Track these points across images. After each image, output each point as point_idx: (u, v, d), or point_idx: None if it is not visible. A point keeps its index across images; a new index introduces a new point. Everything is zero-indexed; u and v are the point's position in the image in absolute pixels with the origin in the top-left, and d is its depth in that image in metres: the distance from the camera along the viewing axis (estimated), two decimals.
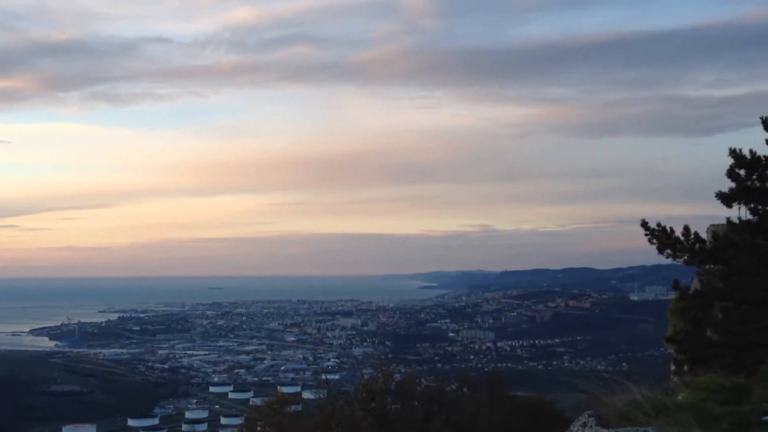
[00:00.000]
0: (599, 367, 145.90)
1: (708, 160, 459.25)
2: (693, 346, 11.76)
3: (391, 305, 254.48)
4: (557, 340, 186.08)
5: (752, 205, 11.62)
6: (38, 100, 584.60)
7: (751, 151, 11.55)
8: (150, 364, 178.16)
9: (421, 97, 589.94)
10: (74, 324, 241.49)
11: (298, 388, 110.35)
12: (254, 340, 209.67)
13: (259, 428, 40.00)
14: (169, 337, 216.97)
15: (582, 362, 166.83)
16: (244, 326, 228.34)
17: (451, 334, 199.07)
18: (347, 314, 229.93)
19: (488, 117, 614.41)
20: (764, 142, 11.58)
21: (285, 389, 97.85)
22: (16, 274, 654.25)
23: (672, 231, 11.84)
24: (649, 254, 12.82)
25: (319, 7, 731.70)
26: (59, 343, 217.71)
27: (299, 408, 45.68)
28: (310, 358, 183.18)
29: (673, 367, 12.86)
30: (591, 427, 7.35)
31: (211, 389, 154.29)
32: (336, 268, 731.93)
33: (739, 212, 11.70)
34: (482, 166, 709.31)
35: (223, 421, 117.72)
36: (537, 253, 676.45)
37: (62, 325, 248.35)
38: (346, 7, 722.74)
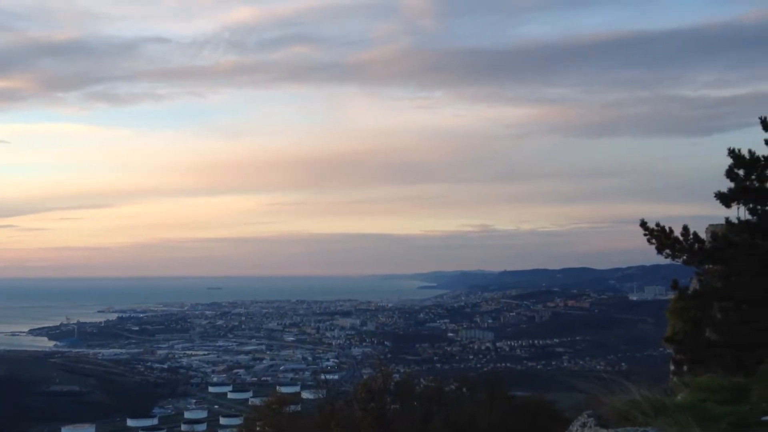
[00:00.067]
0: (598, 367, 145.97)
1: (707, 160, 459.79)
2: (692, 346, 11.76)
3: (390, 305, 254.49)
4: (556, 340, 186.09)
5: (751, 205, 11.62)
6: (38, 100, 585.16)
7: (750, 152, 11.55)
8: (149, 364, 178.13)
9: (420, 97, 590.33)
10: (73, 324, 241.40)
11: (297, 388, 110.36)
12: (253, 340, 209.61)
13: (258, 428, 40.00)
14: (168, 337, 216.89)
15: (581, 362, 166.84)
16: (243, 326, 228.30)
17: (450, 334, 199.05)
18: (346, 314, 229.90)
19: (488, 117, 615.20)
20: (763, 142, 11.58)
21: (284, 389, 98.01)
22: (16, 274, 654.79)
23: (671, 231, 11.85)
24: (648, 254, 12.82)
25: (319, 7, 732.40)
26: (58, 343, 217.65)
27: (298, 408, 45.68)
28: (309, 358, 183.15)
29: (672, 367, 12.87)
30: (590, 427, 7.35)
31: (211, 389, 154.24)
32: (335, 268, 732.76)
33: (738, 212, 11.70)
34: (482, 167, 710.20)
35: (223, 421, 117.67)
36: (536, 253, 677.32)
37: (61, 325, 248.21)
38: (346, 7, 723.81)
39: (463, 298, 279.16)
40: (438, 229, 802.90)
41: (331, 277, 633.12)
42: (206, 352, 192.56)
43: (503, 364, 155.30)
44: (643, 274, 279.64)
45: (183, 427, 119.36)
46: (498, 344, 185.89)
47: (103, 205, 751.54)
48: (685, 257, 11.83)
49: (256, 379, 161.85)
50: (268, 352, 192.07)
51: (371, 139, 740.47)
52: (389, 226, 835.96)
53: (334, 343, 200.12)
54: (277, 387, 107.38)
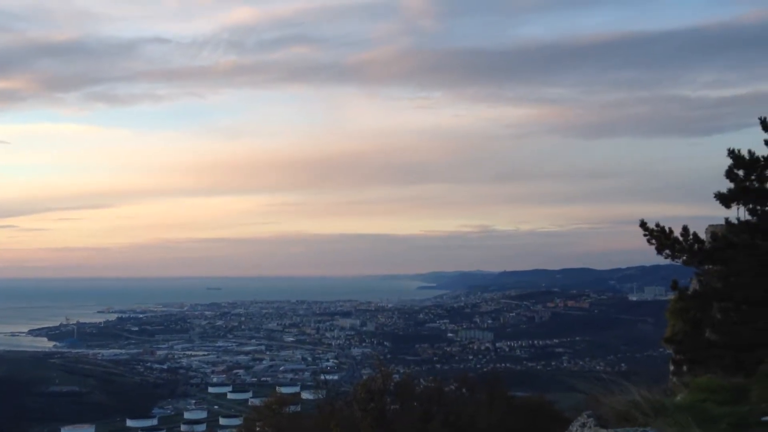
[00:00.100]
0: (598, 367, 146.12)
1: (707, 160, 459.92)
2: (692, 347, 11.76)
3: (389, 306, 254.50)
4: (556, 341, 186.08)
5: (751, 206, 11.62)
6: (37, 100, 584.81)
7: (749, 152, 11.56)
8: (149, 364, 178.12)
9: (420, 97, 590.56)
10: (73, 324, 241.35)
11: (296, 389, 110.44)
12: (253, 341, 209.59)
13: (258, 429, 39.98)
14: (167, 338, 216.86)
15: (581, 362, 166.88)
16: (242, 327, 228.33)
17: (449, 335, 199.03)
18: (346, 315, 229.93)
19: (487, 117, 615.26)
20: (763, 142, 11.58)
21: (284, 390, 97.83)
22: (15, 274, 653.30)
23: (671, 231, 11.85)
24: (647, 255, 12.83)
25: (319, 7, 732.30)
26: (58, 343, 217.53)
27: (298, 408, 45.67)
28: (309, 359, 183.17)
29: (671, 368, 12.87)
30: (590, 427, 7.36)
31: (210, 390, 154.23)
32: (335, 268, 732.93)
33: (738, 213, 11.71)
34: (481, 167, 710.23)
35: (222, 421, 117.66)
36: (536, 253, 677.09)
37: (61, 325, 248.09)
38: (346, 8, 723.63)
39: (462, 299, 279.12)
40: (438, 229, 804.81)
41: (331, 277, 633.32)
42: (206, 353, 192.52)
43: (503, 365, 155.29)
44: (642, 274, 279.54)
45: (183, 427, 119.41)
46: (498, 344, 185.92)
47: (103, 205, 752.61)
48: (684, 258, 11.84)
49: (255, 379, 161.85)
50: (267, 353, 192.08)
51: (371, 139, 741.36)
52: (389, 227, 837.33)
53: (333, 343, 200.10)
54: (277, 387, 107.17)
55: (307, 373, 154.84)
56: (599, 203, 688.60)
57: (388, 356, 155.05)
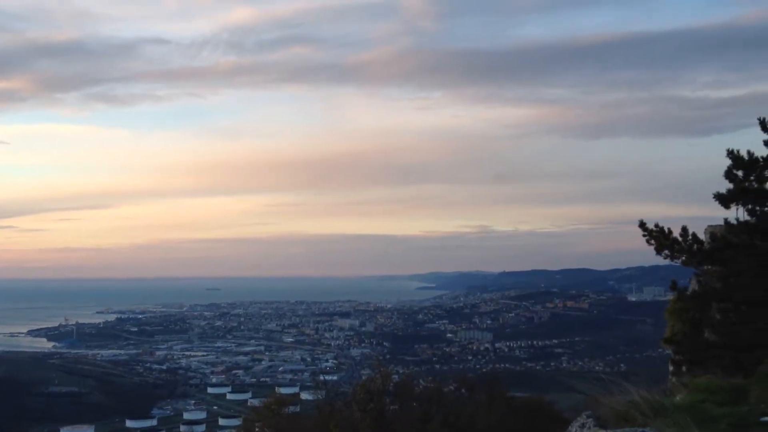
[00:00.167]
0: (597, 367, 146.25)
1: (706, 161, 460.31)
2: (691, 347, 11.77)
3: (389, 306, 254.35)
4: (555, 341, 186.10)
5: (750, 206, 11.63)
6: (36, 101, 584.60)
7: (748, 152, 11.57)
8: (148, 365, 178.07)
9: (419, 97, 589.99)
10: (72, 325, 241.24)
11: (296, 389, 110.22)
12: (252, 341, 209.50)
13: (257, 429, 39.93)
14: (167, 338, 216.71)
15: (580, 363, 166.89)
16: (242, 327, 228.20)
17: (449, 335, 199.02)
18: (345, 315, 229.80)
19: (486, 118, 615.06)
20: (762, 143, 11.60)
21: (283, 390, 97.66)
22: (14, 275, 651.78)
23: (670, 232, 11.86)
24: (647, 255, 12.84)
25: (318, 7, 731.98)
26: (57, 344, 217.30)
27: (297, 409, 45.58)
28: (308, 359, 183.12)
29: (671, 368, 12.88)
30: (589, 427, 7.36)
31: (209, 390, 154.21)
32: (334, 268, 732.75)
33: (737, 213, 11.72)
34: (480, 167, 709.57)
35: (222, 422, 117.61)
36: (535, 253, 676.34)
37: (60, 326, 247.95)
38: (345, 8, 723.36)
39: (461, 299, 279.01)
40: (437, 229, 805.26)
41: (330, 277, 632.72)
42: (205, 353, 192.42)
43: (502, 365, 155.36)
44: (642, 274, 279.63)
45: (182, 428, 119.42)
46: (497, 345, 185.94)
47: (102, 206, 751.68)
48: (684, 258, 11.85)
49: (255, 379, 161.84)
50: (267, 353, 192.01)
51: (370, 139, 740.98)
52: (388, 227, 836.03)
53: (332, 343, 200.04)
54: (276, 388, 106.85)
55: (306, 374, 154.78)
56: (598, 203, 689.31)
57: (387, 357, 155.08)
